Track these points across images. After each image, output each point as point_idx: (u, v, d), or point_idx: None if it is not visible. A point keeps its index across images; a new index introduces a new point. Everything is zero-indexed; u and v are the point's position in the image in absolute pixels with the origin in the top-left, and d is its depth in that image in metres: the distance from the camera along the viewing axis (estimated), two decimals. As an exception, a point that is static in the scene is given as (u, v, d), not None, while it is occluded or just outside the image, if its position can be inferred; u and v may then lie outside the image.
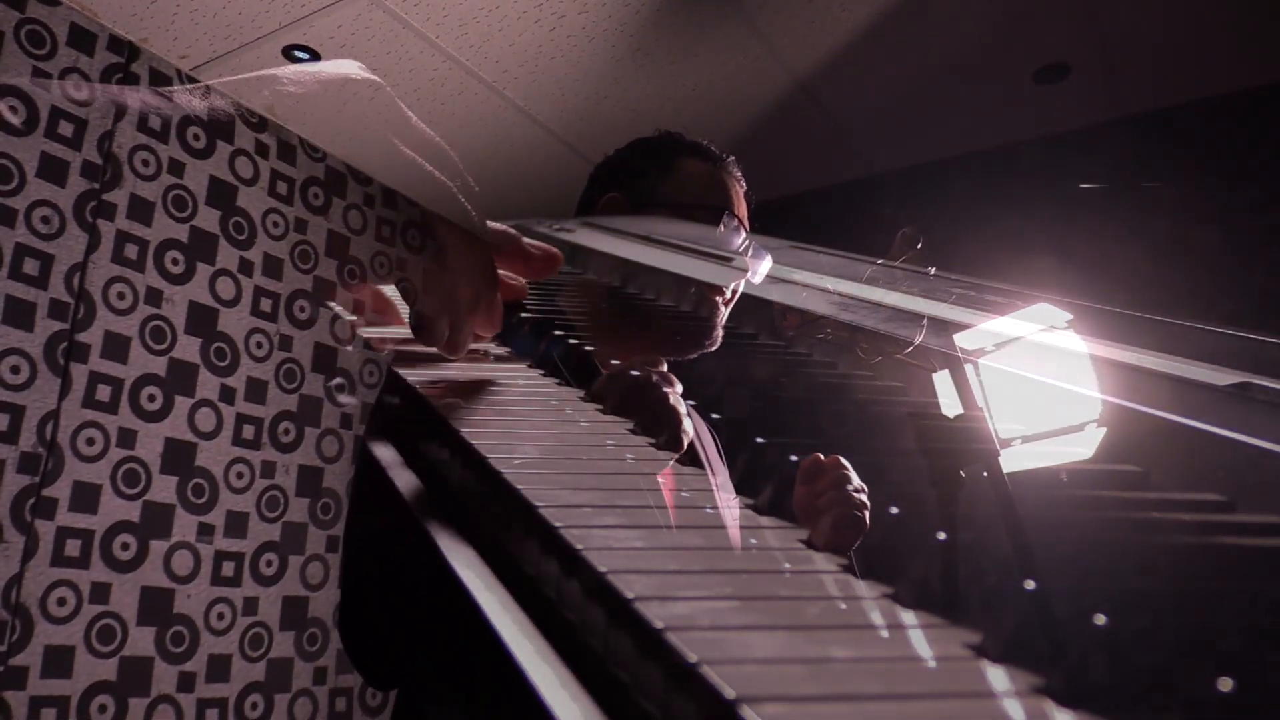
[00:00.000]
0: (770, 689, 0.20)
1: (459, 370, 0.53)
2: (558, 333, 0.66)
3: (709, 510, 0.33)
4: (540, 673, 0.25)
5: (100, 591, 1.98)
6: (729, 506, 0.34)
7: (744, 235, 0.99)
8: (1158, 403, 0.39)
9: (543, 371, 0.60)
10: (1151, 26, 2.15)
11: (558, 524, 0.29)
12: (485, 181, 2.92)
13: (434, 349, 0.46)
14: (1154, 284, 2.13)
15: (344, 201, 2.76)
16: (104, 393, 2.05)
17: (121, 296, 2.12)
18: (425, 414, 0.45)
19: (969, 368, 0.72)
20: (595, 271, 0.84)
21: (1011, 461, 0.47)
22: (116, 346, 2.10)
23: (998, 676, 0.24)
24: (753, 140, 2.69)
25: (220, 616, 2.19)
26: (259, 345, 2.40)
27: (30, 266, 1.97)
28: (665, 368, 0.68)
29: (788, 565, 0.29)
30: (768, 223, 1.03)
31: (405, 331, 0.49)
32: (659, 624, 0.23)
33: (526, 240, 0.48)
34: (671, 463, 0.39)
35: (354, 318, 0.52)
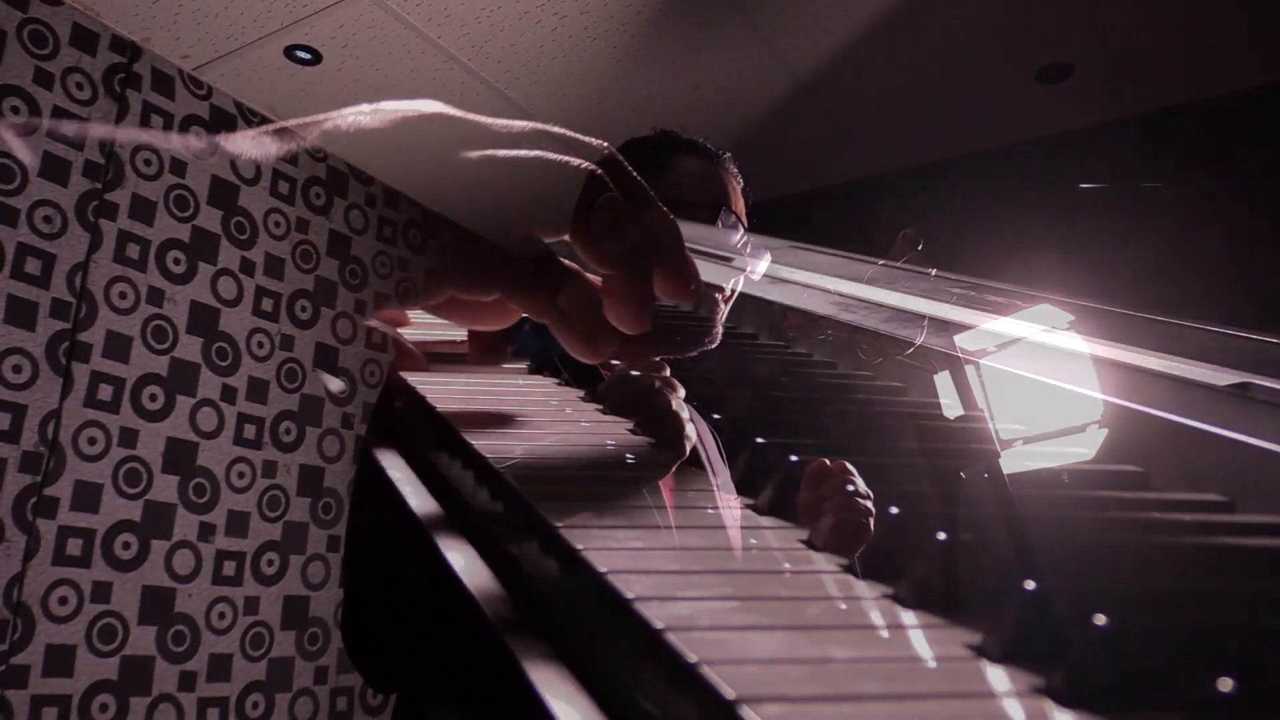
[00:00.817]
0: (770, 689, 0.20)
1: (460, 372, 0.53)
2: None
3: (709, 510, 0.33)
4: (540, 673, 0.25)
5: (101, 591, 1.98)
6: (729, 507, 0.34)
7: (742, 232, 0.99)
8: (1158, 403, 0.39)
9: (544, 371, 0.60)
10: (1154, 26, 2.15)
11: (558, 524, 0.29)
12: (485, 182, 2.92)
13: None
14: (1155, 284, 2.12)
15: (346, 201, 2.76)
16: (105, 392, 2.05)
17: (123, 296, 2.12)
18: (426, 415, 0.45)
19: (970, 368, 0.72)
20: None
21: (1012, 462, 0.47)
22: (118, 346, 2.11)
23: (998, 676, 0.24)
24: (754, 140, 2.69)
25: (221, 616, 2.19)
26: (260, 345, 2.41)
27: (32, 266, 1.97)
28: (668, 372, 0.68)
29: (788, 565, 0.29)
30: (768, 223, 1.03)
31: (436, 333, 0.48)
32: (659, 624, 0.23)
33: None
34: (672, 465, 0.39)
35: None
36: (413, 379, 0.48)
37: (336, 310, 2.68)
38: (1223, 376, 0.39)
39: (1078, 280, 2.12)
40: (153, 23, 2.22)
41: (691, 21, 2.23)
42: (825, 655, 0.23)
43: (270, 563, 2.36)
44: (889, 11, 2.16)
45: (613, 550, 0.27)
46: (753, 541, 0.31)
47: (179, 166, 2.35)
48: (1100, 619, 0.23)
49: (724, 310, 1.02)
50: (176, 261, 2.30)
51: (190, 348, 2.29)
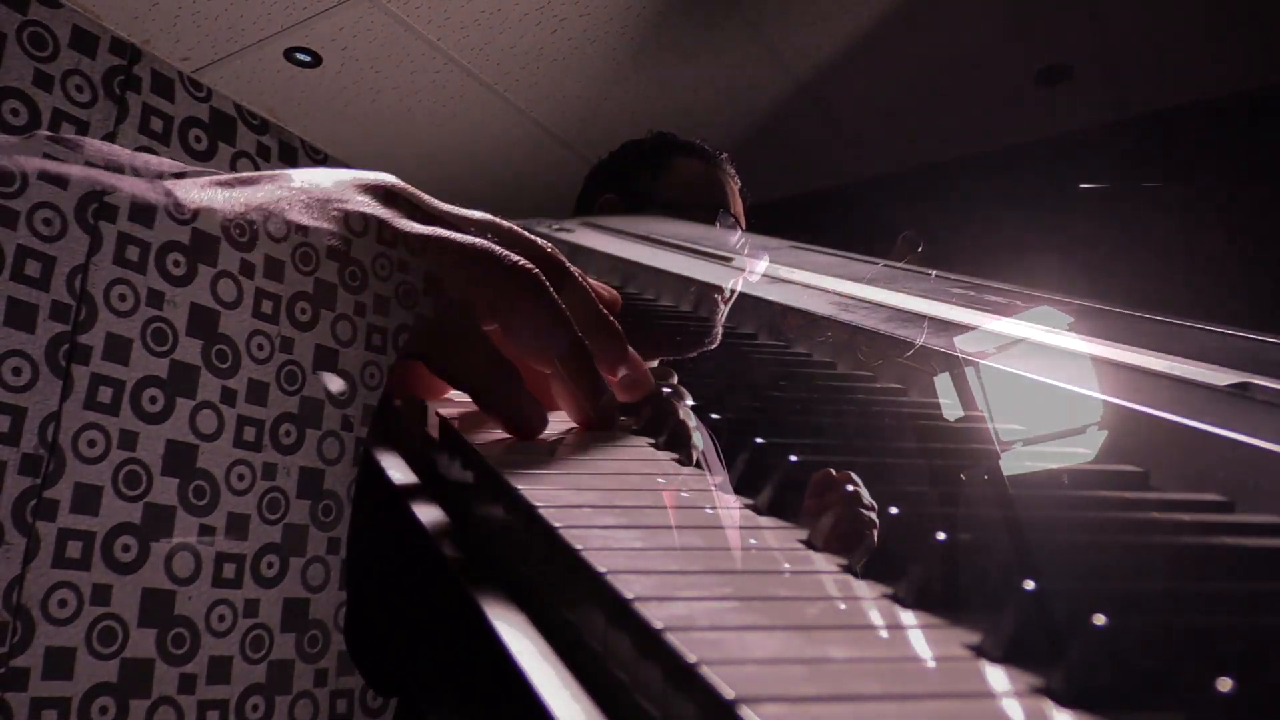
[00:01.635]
0: (770, 689, 0.20)
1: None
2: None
3: (709, 510, 0.33)
4: (540, 674, 0.25)
5: (101, 593, 1.98)
6: (729, 507, 0.34)
7: (740, 232, 0.99)
8: (1158, 403, 0.39)
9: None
10: (1153, 28, 2.15)
11: (557, 524, 0.29)
12: (487, 183, 2.92)
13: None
14: (1156, 285, 2.13)
15: (345, 203, 2.77)
16: (105, 394, 2.05)
17: (123, 298, 2.12)
18: (426, 416, 0.45)
19: (970, 369, 0.72)
20: (594, 272, 0.84)
21: (1012, 463, 0.47)
22: (118, 348, 2.10)
23: (998, 676, 0.24)
24: (754, 142, 2.69)
25: (221, 618, 2.19)
26: (260, 347, 2.40)
27: (31, 268, 1.97)
28: (675, 379, 0.68)
29: (787, 565, 0.29)
30: (769, 224, 1.03)
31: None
32: (659, 624, 0.23)
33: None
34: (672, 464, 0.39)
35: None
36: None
37: (336, 312, 2.68)
38: (1223, 376, 0.39)
39: (1078, 281, 2.12)
40: (152, 25, 2.22)
41: (692, 24, 2.23)
42: (825, 655, 0.23)
43: (270, 565, 2.35)
44: (889, 13, 2.17)
45: (613, 550, 0.27)
46: (752, 541, 0.31)
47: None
48: (1100, 619, 0.23)
49: (724, 310, 1.02)
50: (176, 264, 2.29)
51: (190, 350, 2.28)
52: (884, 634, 0.25)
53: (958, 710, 0.22)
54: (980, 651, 0.25)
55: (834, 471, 0.69)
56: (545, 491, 0.33)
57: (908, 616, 0.26)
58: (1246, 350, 0.42)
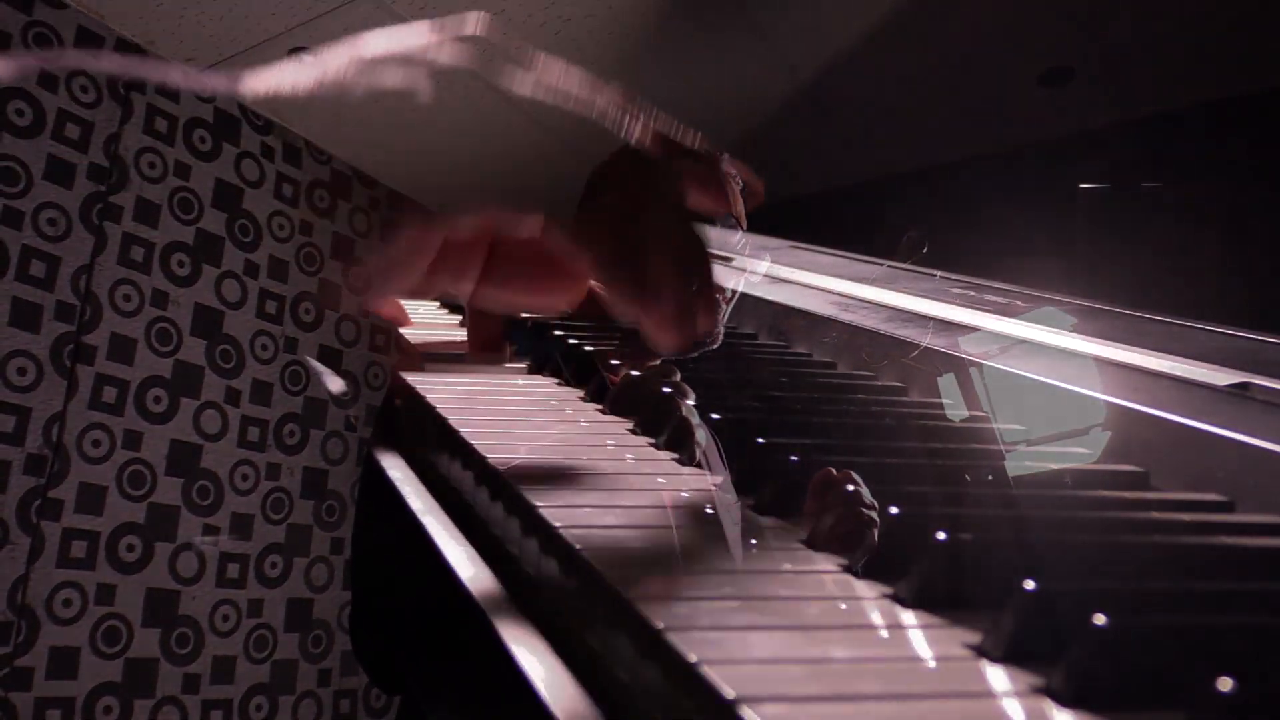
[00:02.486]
0: (770, 689, 0.20)
1: (462, 374, 0.53)
2: (558, 332, 0.66)
3: (709, 510, 0.33)
4: (540, 673, 0.25)
5: (105, 593, 1.99)
6: (729, 507, 0.34)
7: (741, 232, 0.99)
8: (1158, 403, 0.39)
9: (544, 371, 0.60)
10: (1156, 30, 2.15)
11: (557, 524, 0.29)
12: (490, 184, 2.93)
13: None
14: (1157, 286, 2.12)
15: (349, 204, 2.77)
16: (110, 394, 2.05)
17: (127, 299, 2.13)
18: (428, 417, 0.46)
19: (972, 369, 0.72)
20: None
21: (1014, 463, 0.47)
22: (122, 348, 2.11)
23: (998, 676, 0.24)
24: (757, 143, 2.69)
25: (225, 618, 2.20)
26: (264, 347, 2.41)
27: (37, 269, 1.98)
28: (678, 376, 0.68)
29: (788, 565, 0.29)
30: (771, 225, 1.03)
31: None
32: (659, 624, 0.23)
33: None
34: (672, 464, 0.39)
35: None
36: (414, 379, 0.48)
37: (340, 313, 2.69)
38: (1223, 376, 0.39)
39: (1079, 282, 2.12)
40: (157, 26, 2.23)
41: (694, 25, 2.23)
42: (825, 655, 0.23)
43: (274, 565, 2.36)
44: (891, 15, 2.17)
45: (613, 550, 0.28)
46: (753, 541, 0.31)
47: (183, 169, 2.35)
48: (1100, 619, 0.23)
49: (725, 310, 1.02)
50: (181, 264, 2.30)
51: (194, 350, 2.30)
52: (884, 634, 0.25)
53: (958, 710, 0.22)
54: (981, 651, 0.25)
55: (834, 471, 0.69)
56: (547, 491, 0.33)
57: (908, 616, 0.26)
58: (1246, 350, 0.42)
